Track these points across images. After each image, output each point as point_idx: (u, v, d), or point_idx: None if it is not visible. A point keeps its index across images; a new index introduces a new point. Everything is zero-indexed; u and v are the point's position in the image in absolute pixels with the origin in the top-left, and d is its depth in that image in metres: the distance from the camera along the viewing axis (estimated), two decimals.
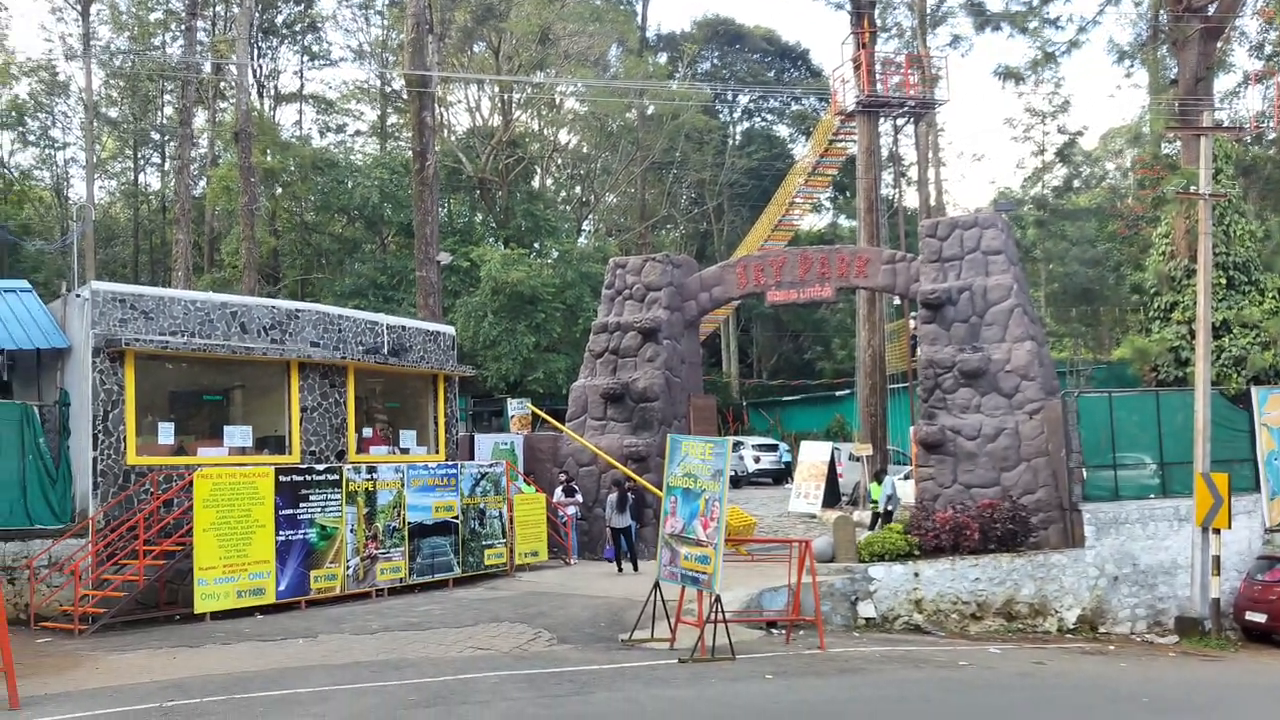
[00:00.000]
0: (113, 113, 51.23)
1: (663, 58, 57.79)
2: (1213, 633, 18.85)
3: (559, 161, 53.62)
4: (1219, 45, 32.78)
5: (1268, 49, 35.74)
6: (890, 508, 23.26)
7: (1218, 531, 18.96)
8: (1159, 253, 29.85)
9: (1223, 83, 38.88)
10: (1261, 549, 20.47)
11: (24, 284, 19.80)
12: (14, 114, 47.60)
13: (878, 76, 30.97)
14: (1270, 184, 34.34)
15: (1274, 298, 25.81)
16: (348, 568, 17.88)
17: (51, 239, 45.44)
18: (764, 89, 59.49)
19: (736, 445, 37.35)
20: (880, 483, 24.18)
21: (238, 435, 19.16)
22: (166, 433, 18.22)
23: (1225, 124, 28.48)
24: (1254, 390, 22.17)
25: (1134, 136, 47.54)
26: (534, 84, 45.71)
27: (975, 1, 38.07)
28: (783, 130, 63.29)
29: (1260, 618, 18.99)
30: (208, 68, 45.40)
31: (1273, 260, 27.79)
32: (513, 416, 28.17)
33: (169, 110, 50.41)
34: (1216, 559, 18.94)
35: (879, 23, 36.86)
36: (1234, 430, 21.35)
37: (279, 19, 50.67)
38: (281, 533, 16.91)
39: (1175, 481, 20.64)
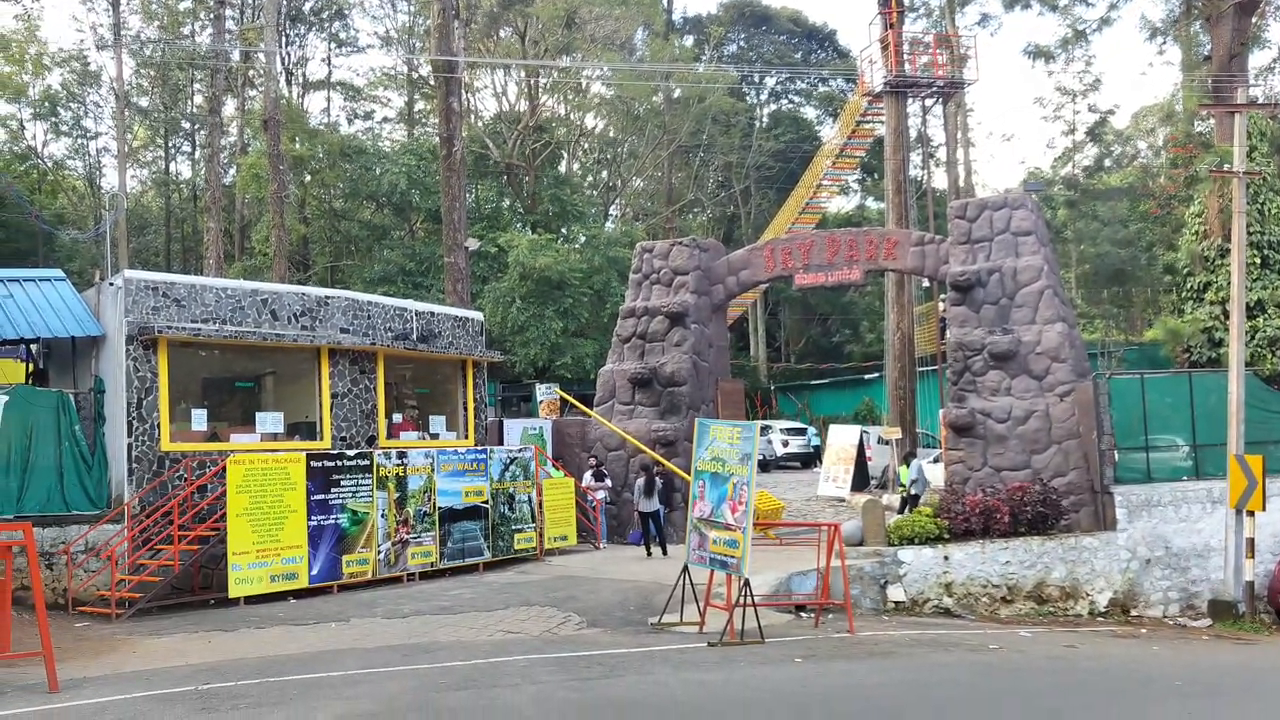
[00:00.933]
0: (143, 102, 51.70)
1: (689, 40, 57.60)
2: (1246, 616, 18.66)
3: (585, 146, 53.57)
4: (1254, 20, 32.32)
5: None
6: (915, 491, 23.19)
7: (1252, 514, 18.75)
8: (1192, 232, 29.55)
9: (1257, 59, 38.33)
10: None
11: (58, 273, 20.05)
12: (47, 104, 48.15)
13: (906, 57, 30.69)
14: None
15: None
16: (379, 552, 18.05)
17: (85, 228, 45.99)
18: (791, 71, 59.16)
19: (764, 429, 37.33)
20: (909, 465, 24.14)
21: (269, 421, 19.35)
22: (199, 419, 18.42)
23: (1260, 101, 28.07)
24: None
25: (1166, 115, 46.93)
26: (560, 68, 45.66)
27: None
28: (810, 112, 62.99)
29: None
30: (236, 56, 45.68)
31: None
32: (541, 401, 28.25)
33: (199, 99, 50.83)
34: (1250, 541, 18.75)
35: (907, 2, 36.51)
36: (1268, 411, 21.10)
37: (306, 6, 50.90)
38: (313, 518, 17.08)
39: (1208, 463, 20.44)
